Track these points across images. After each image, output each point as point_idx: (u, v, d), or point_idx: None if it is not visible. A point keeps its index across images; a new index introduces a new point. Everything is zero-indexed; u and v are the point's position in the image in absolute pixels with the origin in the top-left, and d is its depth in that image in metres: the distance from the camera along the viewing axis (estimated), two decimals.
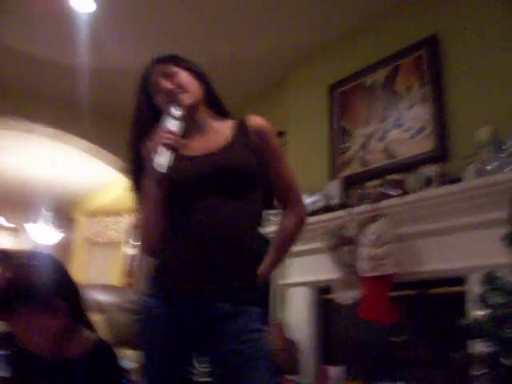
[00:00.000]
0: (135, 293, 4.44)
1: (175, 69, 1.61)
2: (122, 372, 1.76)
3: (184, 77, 1.60)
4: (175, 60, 1.64)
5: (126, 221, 7.98)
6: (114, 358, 1.74)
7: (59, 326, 1.63)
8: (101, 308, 3.98)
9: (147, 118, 1.61)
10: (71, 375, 1.62)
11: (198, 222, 1.47)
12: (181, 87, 1.58)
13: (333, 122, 3.72)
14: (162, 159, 1.43)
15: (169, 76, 1.59)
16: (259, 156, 1.58)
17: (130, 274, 6.69)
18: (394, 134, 3.25)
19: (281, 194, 1.65)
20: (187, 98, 1.57)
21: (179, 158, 1.49)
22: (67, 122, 5.09)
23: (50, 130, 5.17)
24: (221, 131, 1.62)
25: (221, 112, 1.70)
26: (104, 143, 5.36)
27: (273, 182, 1.63)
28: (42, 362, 1.65)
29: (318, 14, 3.57)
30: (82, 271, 8.31)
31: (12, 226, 12.94)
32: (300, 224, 1.66)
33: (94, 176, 7.48)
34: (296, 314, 3.65)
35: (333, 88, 3.76)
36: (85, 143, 5.32)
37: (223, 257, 1.45)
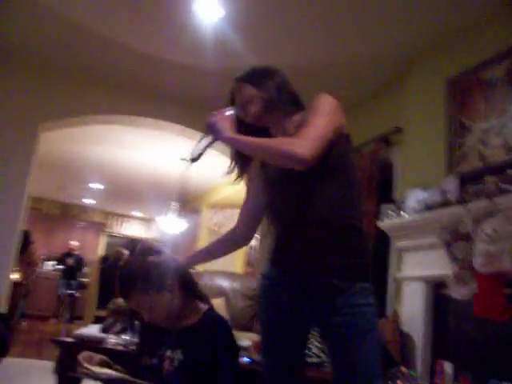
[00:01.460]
0: (254, 280, 4.67)
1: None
2: (234, 339, 1.95)
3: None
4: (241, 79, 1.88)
5: None
6: (224, 325, 1.96)
7: (177, 305, 1.91)
8: (222, 292, 4.27)
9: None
10: (188, 341, 1.87)
11: (289, 206, 1.66)
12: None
13: (450, 117, 3.68)
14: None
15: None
16: None
17: (249, 262, 6.97)
18: None
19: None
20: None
21: None
22: (194, 119, 5.42)
23: (178, 127, 5.54)
24: (291, 126, 1.75)
25: (297, 104, 1.82)
26: None
27: None
28: (164, 330, 1.94)
29: (437, 8, 3.53)
30: None
31: (143, 216, 13.94)
32: (288, 147, 1.54)
33: (217, 170, 7.85)
34: (410, 308, 3.68)
35: (451, 82, 3.71)
36: None
37: (321, 236, 1.58)
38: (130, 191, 10.53)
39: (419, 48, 4.03)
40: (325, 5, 3.60)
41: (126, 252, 8.49)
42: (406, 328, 3.58)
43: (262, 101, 1.78)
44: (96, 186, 10.50)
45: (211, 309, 2.01)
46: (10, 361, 3.97)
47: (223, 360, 1.83)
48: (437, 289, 3.54)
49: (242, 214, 1.92)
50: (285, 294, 1.64)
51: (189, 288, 2.00)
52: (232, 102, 1.85)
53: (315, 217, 1.60)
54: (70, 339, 2.93)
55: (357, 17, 3.72)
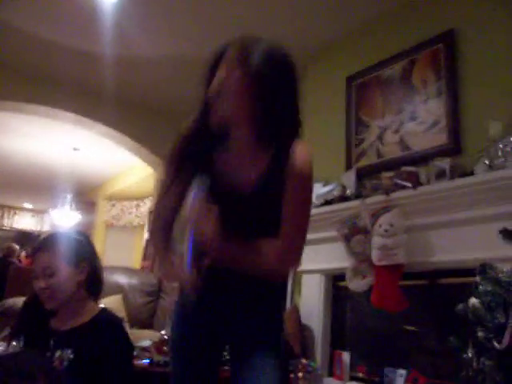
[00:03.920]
0: (151, 275, 4.57)
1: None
2: (129, 339, 1.93)
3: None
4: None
5: (145, 205, 8.12)
6: (117, 325, 1.94)
7: (77, 294, 1.87)
8: (119, 289, 4.13)
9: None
10: (79, 340, 1.81)
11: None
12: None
13: (350, 114, 3.77)
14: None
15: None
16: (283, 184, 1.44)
17: (146, 257, 6.83)
18: (409, 126, 3.30)
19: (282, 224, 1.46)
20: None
21: (220, 172, 1.44)
22: (88, 107, 5.20)
23: (72, 116, 5.27)
24: (259, 155, 1.48)
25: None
26: (124, 129, 5.48)
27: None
28: (53, 331, 1.86)
29: (336, 6, 3.61)
30: (101, 253, 8.49)
31: (34, 208, 13.23)
32: (273, 261, 1.44)
33: (114, 161, 7.61)
34: (309, 300, 3.74)
35: (350, 80, 3.81)
36: (105, 129, 5.42)
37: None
38: (20, 182, 9.93)
39: (321, 44, 4.09)
40: None
41: (17, 247, 8.03)
42: (305, 320, 3.63)
43: (256, 109, 1.36)
44: None
45: (105, 309, 1.98)
46: None
47: (115, 360, 1.81)
48: (335, 281, 3.63)
49: None
50: (198, 310, 1.54)
51: (94, 286, 1.96)
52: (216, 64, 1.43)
53: None
54: None
55: (255, 8, 3.70)
